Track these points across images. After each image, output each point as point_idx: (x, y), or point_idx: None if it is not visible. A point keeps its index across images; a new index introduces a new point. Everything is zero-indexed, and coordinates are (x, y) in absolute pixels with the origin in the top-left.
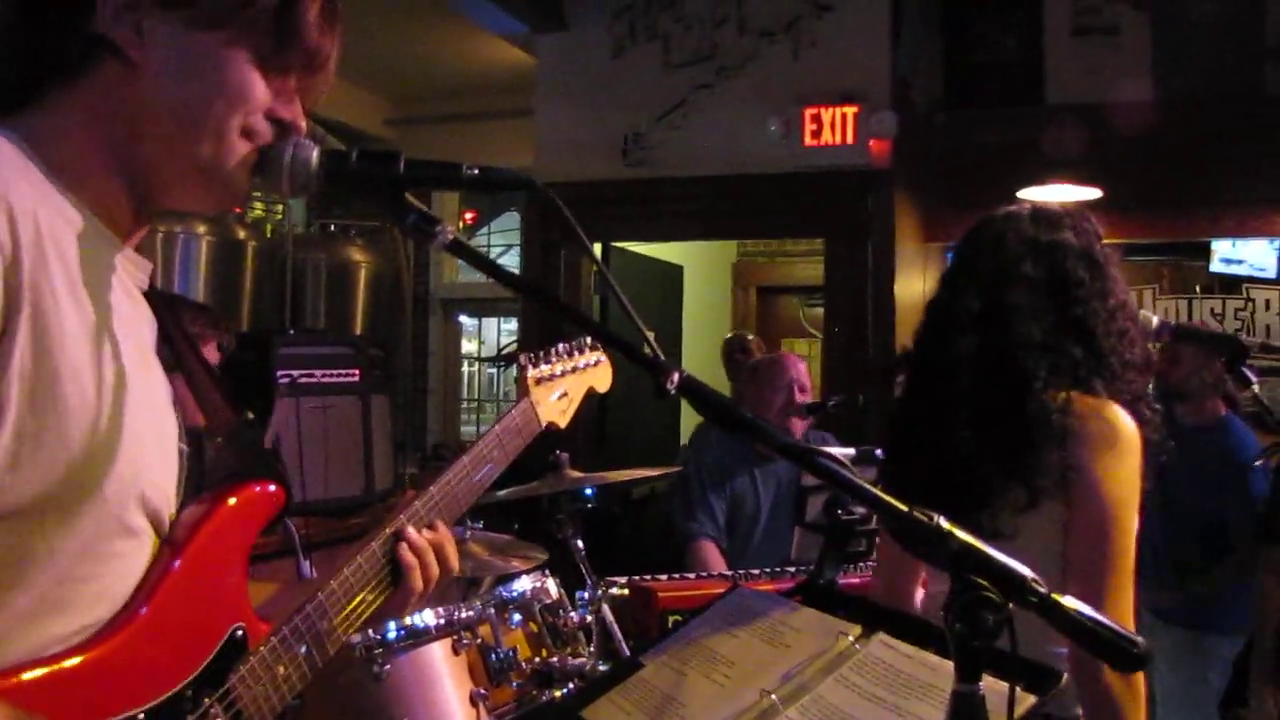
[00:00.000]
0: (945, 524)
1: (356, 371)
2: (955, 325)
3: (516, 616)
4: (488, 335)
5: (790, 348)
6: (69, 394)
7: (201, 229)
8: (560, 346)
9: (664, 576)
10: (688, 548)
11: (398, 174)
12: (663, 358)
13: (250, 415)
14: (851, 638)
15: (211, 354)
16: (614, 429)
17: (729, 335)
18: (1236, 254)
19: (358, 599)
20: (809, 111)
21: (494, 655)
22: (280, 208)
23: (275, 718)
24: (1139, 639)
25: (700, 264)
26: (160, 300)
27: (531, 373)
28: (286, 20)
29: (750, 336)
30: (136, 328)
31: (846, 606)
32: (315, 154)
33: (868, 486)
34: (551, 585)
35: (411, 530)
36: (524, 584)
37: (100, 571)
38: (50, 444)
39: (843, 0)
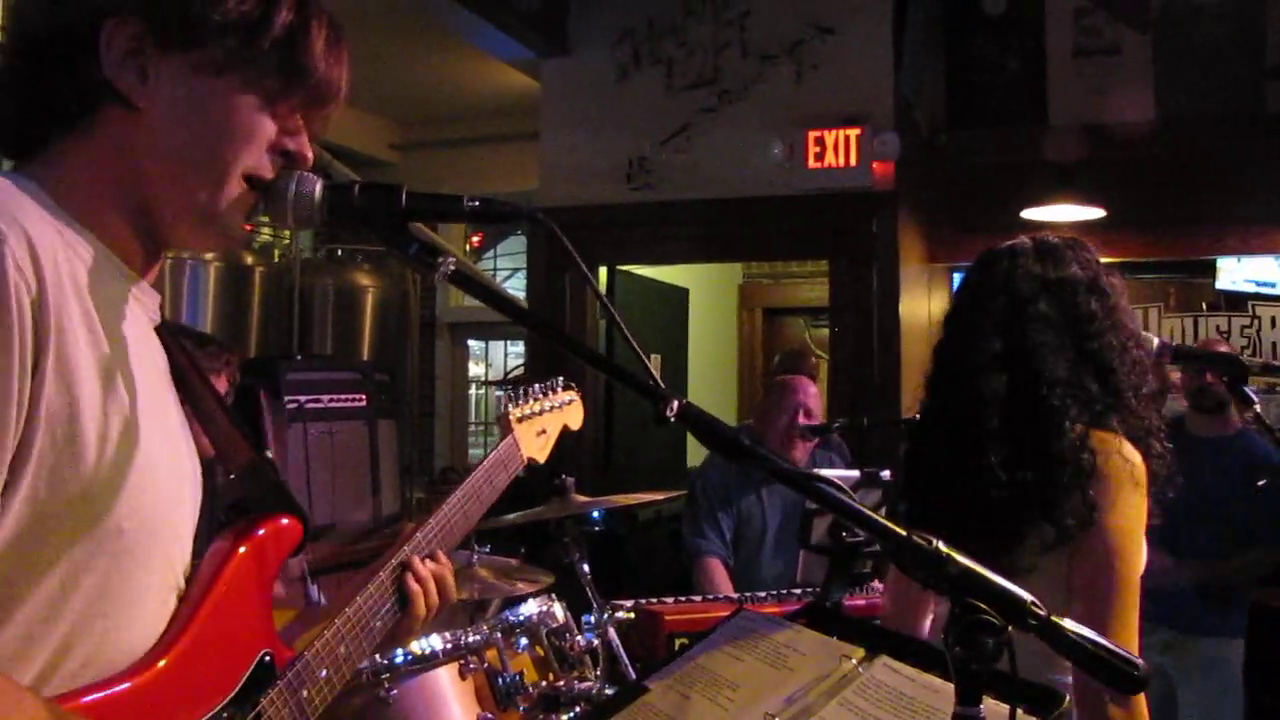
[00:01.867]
0: (944, 548)
1: (363, 396)
2: (977, 367)
3: (523, 641)
4: (495, 359)
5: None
6: (88, 429)
7: (209, 255)
8: (537, 386)
9: (670, 599)
10: (694, 564)
11: (400, 207)
12: (663, 385)
13: (270, 453)
14: (854, 661)
15: (220, 386)
16: (620, 452)
17: (782, 352)
18: (1243, 271)
19: (369, 625)
20: (812, 134)
21: (500, 679)
22: (287, 234)
23: None
24: (1139, 661)
25: (706, 286)
26: (171, 333)
27: (513, 411)
28: (293, 57)
29: (812, 358)
30: (151, 361)
31: (850, 629)
32: (319, 188)
33: (867, 510)
34: (558, 609)
35: (417, 560)
36: (531, 608)
37: (108, 609)
38: (68, 478)
39: (845, 23)
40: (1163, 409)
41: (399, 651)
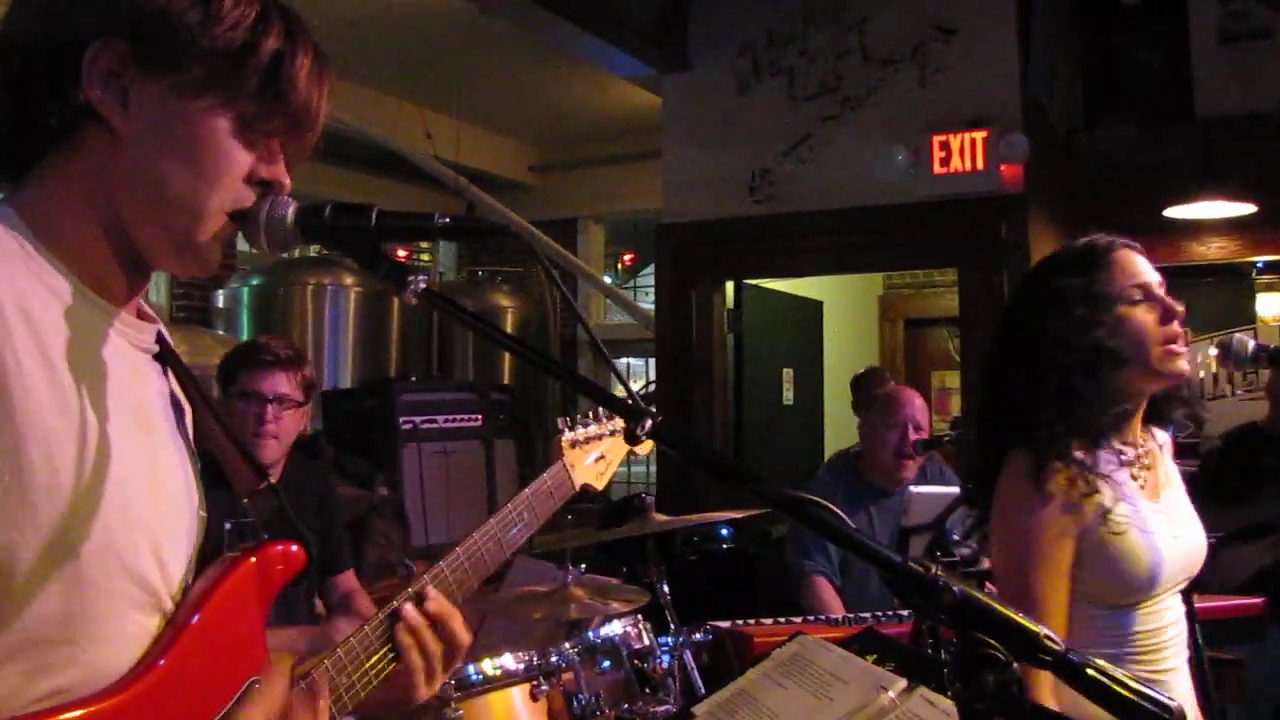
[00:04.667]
0: (943, 575)
1: (479, 416)
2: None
3: (606, 662)
4: (643, 377)
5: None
6: (35, 460)
7: (349, 280)
8: (599, 410)
9: (769, 620)
10: (800, 586)
11: (370, 226)
12: (640, 404)
13: (271, 481)
14: (893, 693)
15: (295, 389)
16: (749, 464)
17: (861, 370)
18: None
19: (379, 654)
20: (937, 139)
21: (576, 701)
22: (427, 256)
23: None
24: (1172, 702)
25: (843, 298)
26: (177, 363)
27: (566, 436)
28: (275, 83)
29: (886, 372)
30: (133, 392)
31: (902, 658)
32: (291, 211)
33: (859, 536)
34: (642, 630)
35: (409, 607)
36: (614, 629)
37: (75, 635)
38: (17, 509)
39: (968, 23)
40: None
41: (470, 670)
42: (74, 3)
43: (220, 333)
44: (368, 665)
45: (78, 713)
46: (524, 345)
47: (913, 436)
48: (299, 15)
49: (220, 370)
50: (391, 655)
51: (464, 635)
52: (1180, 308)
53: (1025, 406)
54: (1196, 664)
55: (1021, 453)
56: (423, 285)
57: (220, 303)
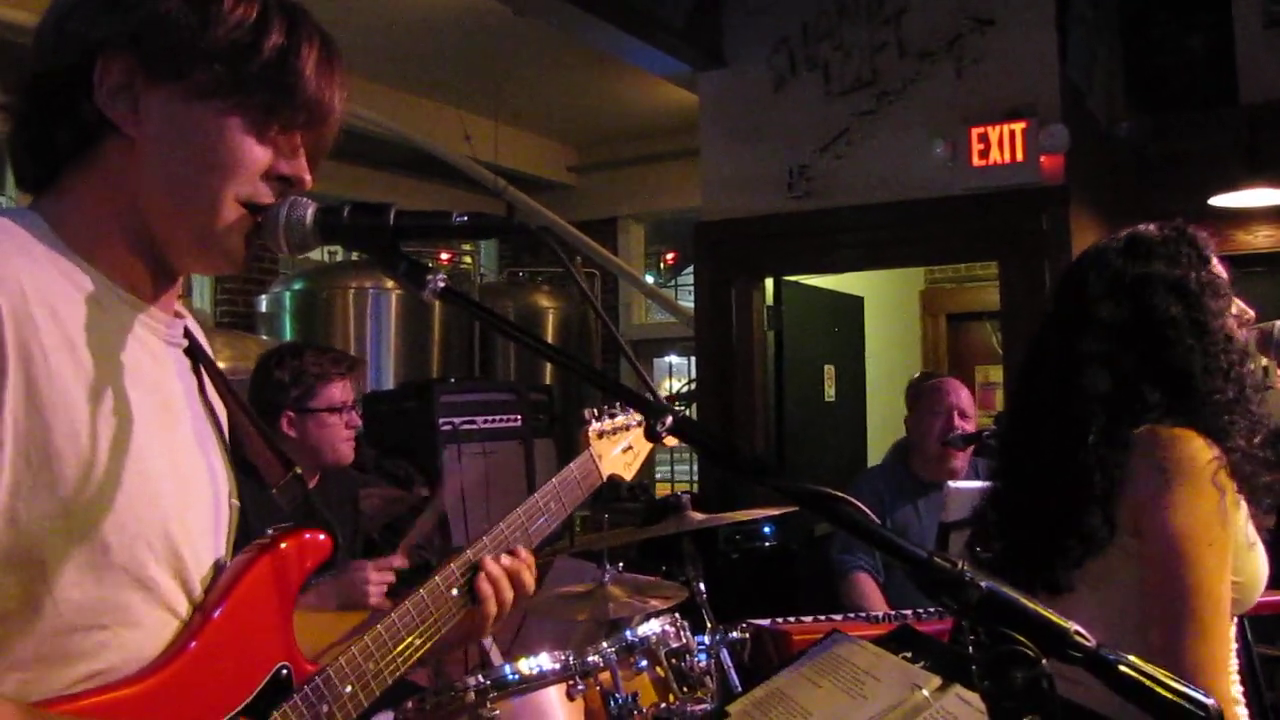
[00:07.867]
0: (969, 570)
1: (518, 417)
2: (1031, 377)
3: (643, 661)
4: (689, 374)
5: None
6: (63, 449)
7: (391, 284)
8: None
9: (809, 618)
10: (842, 581)
11: (388, 225)
12: (657, 400)
13: (298, 471)
14: (927, 691)
15: (348, 393)
16: (793, 463)
17: (916, 375)
18: None
19: (405, 642)
20: (975, 131)
21: (613, 700)
22: (469, 259)
23: None
24: (1209, 701)
25: (884, 293)
26: (204, 357)
27: (593, 427)
28: (282, 79)
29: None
30: (158, 384)
31: (936, 655)
32: (310, 212)
33: (884, 532)
34: (680, 629)
35: (489, 559)
36: (651, 627)
37: (107, 620)
38: (46, 498)
39: (1005, 13)
40: (1261, 407)
41: (506, 670)
42: (79, 22)
43: (264, 337)
44: (400, 648)
45: (113, 694)
46: (533, 337)
47: (958, 424)
48: (304, 9)
49: (290, 386)
50: (433, 633)
51: (532, 583)
52: (1250, 313)
53: (1196, 391)
54: (1246, 660)
55: (1187, 432)
56: (441, 284)
57: (263, 307)
